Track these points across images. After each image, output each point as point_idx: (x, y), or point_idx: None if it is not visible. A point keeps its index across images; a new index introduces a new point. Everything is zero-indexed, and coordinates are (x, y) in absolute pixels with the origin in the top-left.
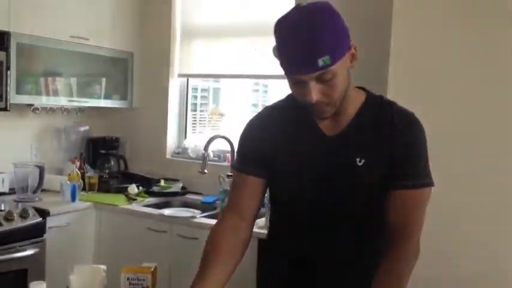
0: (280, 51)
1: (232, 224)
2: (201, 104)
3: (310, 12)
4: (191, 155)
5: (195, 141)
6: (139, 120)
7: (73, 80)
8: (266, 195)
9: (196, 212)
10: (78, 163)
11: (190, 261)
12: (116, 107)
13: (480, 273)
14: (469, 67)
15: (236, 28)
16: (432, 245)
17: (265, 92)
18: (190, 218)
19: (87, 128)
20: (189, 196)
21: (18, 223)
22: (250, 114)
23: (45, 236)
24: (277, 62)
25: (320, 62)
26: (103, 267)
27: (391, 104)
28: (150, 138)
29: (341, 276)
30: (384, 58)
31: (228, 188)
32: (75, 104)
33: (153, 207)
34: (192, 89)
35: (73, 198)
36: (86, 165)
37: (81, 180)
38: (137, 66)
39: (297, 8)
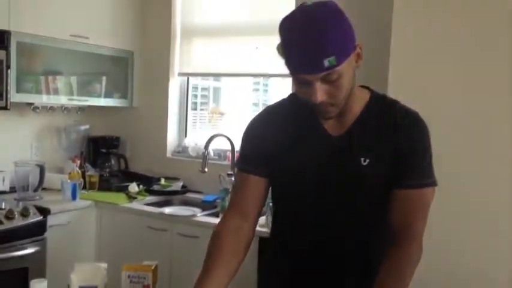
0: (286, 51)
1: (235, 224)
2: (201, 103)
3: (316, 12)
4: (191, 153)
5: (195, 140)
6: (139, 119)
7: (73, 79)
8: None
9: (197, 210)
10: (78, 162)
11: (190, 259)
12: (116, 106)
13: (482, 272)
14: (470, 66)
15: (236, 27)
16: (434, 244)
17: (266, 91)
18: (191, 217)
19: (87, 126)
20: (190, 195)
21: (19, 221)
22: (250, 113)
23: (45, 234)
24: (278, 60)
25: (326, 63)
26: (104, 265)
27: (395, 104)
28: (150, 137)
29: (343, 277)
30: (384, 57)
31: (228, 186)
32: (75, 102)
33: (153, 206)
34: (192, 88)
35: (74, 197)
36: (87, 164)
37: (81, 179)
38: (137, 65)
39: (302, 8)
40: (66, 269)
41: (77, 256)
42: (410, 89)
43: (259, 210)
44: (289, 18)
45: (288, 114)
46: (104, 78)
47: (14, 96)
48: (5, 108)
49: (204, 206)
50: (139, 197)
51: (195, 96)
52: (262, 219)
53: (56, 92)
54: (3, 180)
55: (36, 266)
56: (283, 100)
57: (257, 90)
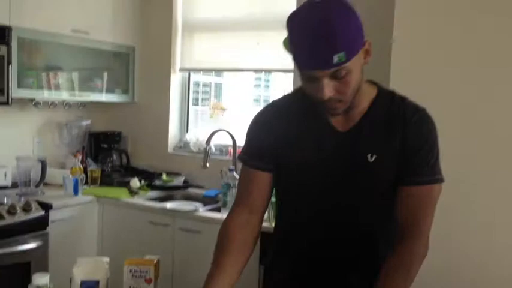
0: (294, 47)
1: (243, 218)
2: (202, 99)
3: (325, 8)
4: (193, 149)
5: (196, 135)
6: (141, 114)
7: (74, 75)
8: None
9: (198, 205)
10: (80, 157)
11: (192, 254)
12: (117, 102)
13: (488, 271)
14: (472, 62)
15: (238, 22)
16: (439, 241)
17: (267, 87)
18: (193, 212)
19: (88, 122)
20: (191, 190)
21: (21, 216)
22: (252, 109)
23: (48, 229)
24: (280, 55)
25: (335, 59)
26: (106, 259)
27: (403, 99)
28: (151, 132)
29: (348, 274)
30: (385, 54)
31: (230, 181)
32: (76, 98)
33: (155, 201)
34: (194, 84)
35: (75, 192)
36: (88, 159)
37: (83, 174)
38: (139, 60)
39: (311, 3)
40: (68, 264)
41: (79, 251)
42: (412, 85)
43: (266, 204)
44: (297, 13)
45: (294, 109)
46: (105, 73)
47: (15, 92)
48: (6, 103)
49: (206, 200)
50: (141, 192)
51: (197, 92)
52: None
53: (57, 87)
54: (5, 176)
55: (39, 260)
56: (289, 95)
57: (258, 86)
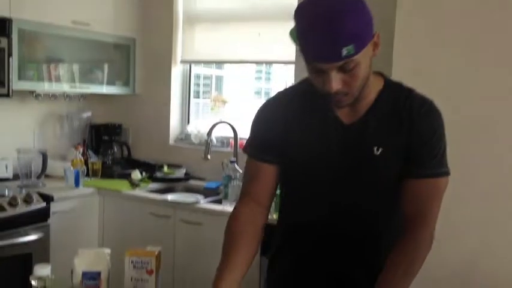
0: (302, 39)
1: (250, 211)
2: (203, 91)
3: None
4: (194, 141)
5: (197, 127)
6: (141, 106)
7: (75, 66)
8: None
9: (200, 197)
10: (81, 149)
11: (193, 245)
12: (118, 94)
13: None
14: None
15: (239, 13)
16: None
17: (268, 79)
18: (194, 204)
19: (89, 114)
20: (192, 182)
21: (22, 208)
22: (253, 101)
23: (49, 221)
24: (281, 47)
25: (344, 51)
26: (107, 250)
27: (411, 91)
28: (152, 124)
29: (353, 268)
30: (387, 50)
31: (231, 173)
32: (77, 90)
33: (156, 193)
34: (195, 76)
35: (76, 184)
36: (89, 151)
37: (84, 166)
38: (139, 52)
39: None
40: (69, 255)
41: (80, 242)
42: (413, 82)
43: (272, 196)
44: (305, 4)
45: (299, 101)
46: (106, 65)
47: (16, 84)
48: (7, 95)
49: (207, 192)
50: (142, 184)
51: (198, 85)
52: None
53: (57, 79)
54: (6, 168)
55: (40, 252)
56: (294, 86)
57: (259, 78)
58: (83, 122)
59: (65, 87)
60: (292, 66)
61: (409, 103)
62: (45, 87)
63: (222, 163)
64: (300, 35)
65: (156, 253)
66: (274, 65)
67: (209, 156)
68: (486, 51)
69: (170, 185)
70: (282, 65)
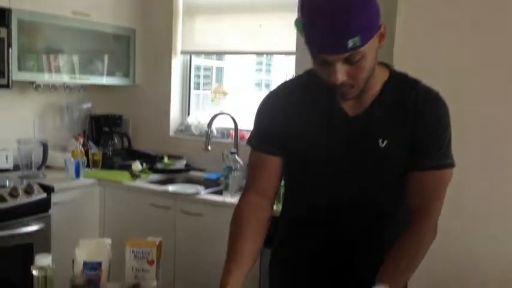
0: (308, 30)
1: (255, 203)
2: (204, 83)
3: None
4: (194, 132)
5: (198, 119)
6: (142, 97)
7: (75, 57)
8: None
9: (200, 188)
10: (81, 140)
11: (194, 236)
12: (118, 84)
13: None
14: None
15: (239, 4)
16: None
17: (269, 71)
18: (194, 195)
19: (89, 105)
20: (193, 173)
21: (23, 199)
22: (253, 93)
23: (50, 211)
24: (282, 38)
25: (350, 43)
26: (108, 240)
27: (416, 82)
28: (153, 116)
29: (355, 261)
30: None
31: (231, 164)
32: (77, 81)
33: (157, 184)
34: (195, 68)
35: (77, 175)
36: (90, 142)
37: (84, 157)
38: (139, 43)
39: None
40: (70, 245)
41: (81, 233)
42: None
43: (277, 188)
44: None
45: (300, 93)
46: (106, 56)
47: (16, 75)
48: (6, 86)
49: (207, 183)
50: (143, 175)
51: (198, 76)
52: None
53: (57, 70)
54: (7, 158)
55: (41, 242)
56: (298, 77)
57: (260, 70)
58: (83, 113)
59: (65, 78)
60: (293, 58)
61: (414, 94)
62: (45, 78)
63: (223, 154)
64: (305, 26)
65: (157, 243)
66: (274, 56)
67: (209, 148)
68: (486, 51)
69: (171, 176)
70: (283, 56)
